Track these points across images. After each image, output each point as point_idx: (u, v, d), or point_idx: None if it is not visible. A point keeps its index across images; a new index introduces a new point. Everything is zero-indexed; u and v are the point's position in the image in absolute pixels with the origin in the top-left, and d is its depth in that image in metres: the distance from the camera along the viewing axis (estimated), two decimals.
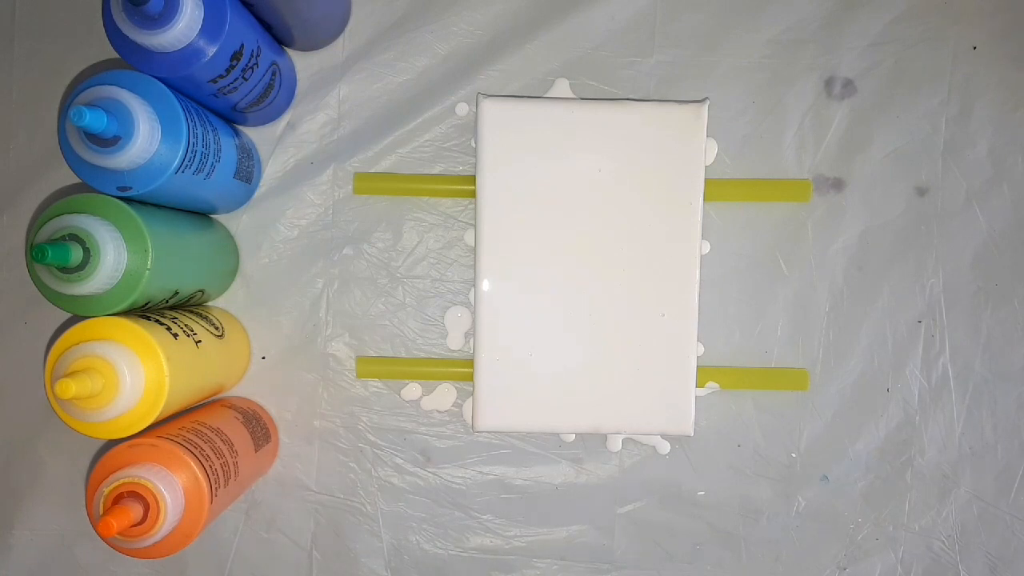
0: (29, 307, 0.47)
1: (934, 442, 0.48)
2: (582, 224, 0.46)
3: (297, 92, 0.47)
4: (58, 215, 0.35)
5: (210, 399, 0.46)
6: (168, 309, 0.41)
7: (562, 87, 0.48)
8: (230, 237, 0.47)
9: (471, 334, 0.48)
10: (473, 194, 0.47)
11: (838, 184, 0.48)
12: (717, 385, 0.48)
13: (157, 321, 0.38)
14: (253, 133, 0.47)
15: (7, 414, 0.47)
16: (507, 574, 0.48)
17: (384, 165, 0.48)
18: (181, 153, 0.36)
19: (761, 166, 0.48)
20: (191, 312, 0.42)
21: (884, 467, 0.48)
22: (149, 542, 0.34)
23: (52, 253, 0.32)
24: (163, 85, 0.36)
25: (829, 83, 0.48)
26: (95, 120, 0.32)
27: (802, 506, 0.48)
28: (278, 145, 0.47)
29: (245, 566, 0.48)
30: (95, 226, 0.34)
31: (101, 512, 0.34)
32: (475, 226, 0.47)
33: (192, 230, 0.43)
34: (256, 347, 0.48)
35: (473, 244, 0.48)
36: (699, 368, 0.47)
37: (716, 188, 0.47)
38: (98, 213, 0.35)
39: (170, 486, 0.35)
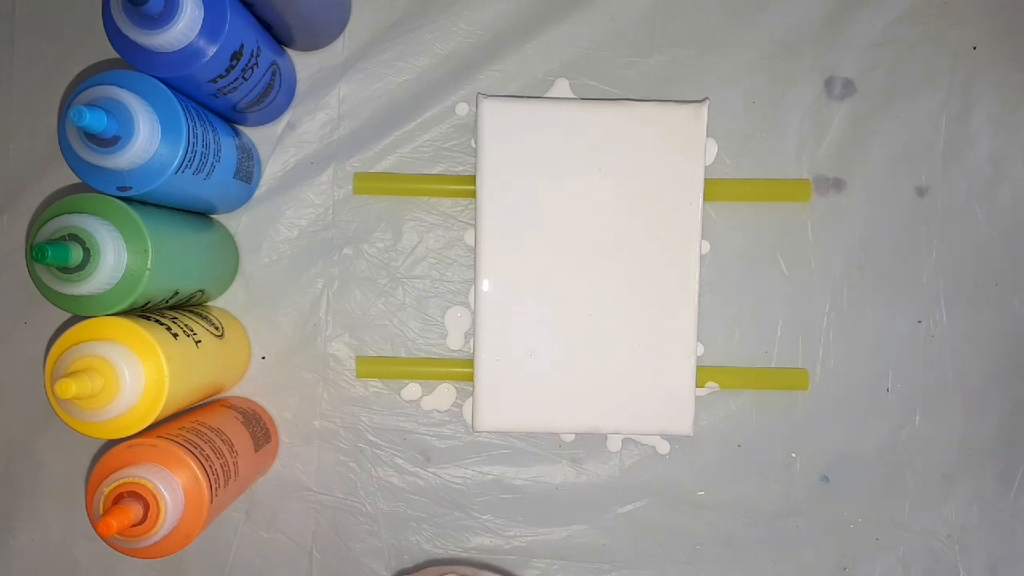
0: (29, 307, 0.47)
1: (934, 442, 0.48)
2: (582, 224, 0.46)
3: (297, 92, 0.47)
4: (58, 215, 0.35)
5: (210, 399, 0.46)
6: (168, 309, 0.41)
7: (562, 87, 0.48)
8: (230, 237, 0.47)
9: (471, 334, 0.48)
10: (473, 194, 0.47)
11: (838, 184, 0.48)
12: (717, 385, 0.48)
13: (157, 321, 0.38)
14: (253, 133, 0.47)
15: (7, 414, 0.47)
16: None
17: (384, 165, 0.48)
18: (181, 153, 0.36)
19: (761, 166, 0.48)
20: (191, 312, 0.42)
21: (884, 467, 0.48)
22: (149, 542, 0.34)
23: (52, 253, 0.32)
24: (163, 85, 0.36)
25: (829, 83, 0.48)
26: (95, 120, 0.32)
27: (802, 506, 0.48)
28: (278, 145, 0.48)
29: (245, 566, 0.48)
30: (95, 226, 0.34)
31: (101, 512, 0.34)
32: (475, 226, 0.47)
33: (192, 230, 0.43)
34: (256, 347, 0.48)
35: (473, 244, 0.48)
36: (699, 368, 0.47)
37: (716, 188, 0.47)
38: (98, 213, 0.35)
39: (170, 486, 0.35)
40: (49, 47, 0.46)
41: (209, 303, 0.47)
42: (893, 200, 0.48)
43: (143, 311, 0.39)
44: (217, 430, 0.40)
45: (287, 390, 0.48)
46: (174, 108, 0.35)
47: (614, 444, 0.48)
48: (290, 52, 0.47)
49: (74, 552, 0.48)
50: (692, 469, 0.48)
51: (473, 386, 0.47)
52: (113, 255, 0.34)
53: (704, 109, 0.46)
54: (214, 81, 0.38)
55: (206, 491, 0.36)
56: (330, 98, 0.48)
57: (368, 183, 0.47)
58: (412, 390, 0.48)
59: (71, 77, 0.47)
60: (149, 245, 0.36)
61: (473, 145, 0.48)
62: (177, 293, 0.40)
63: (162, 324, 0.38)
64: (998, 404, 0.48)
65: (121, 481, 0.34)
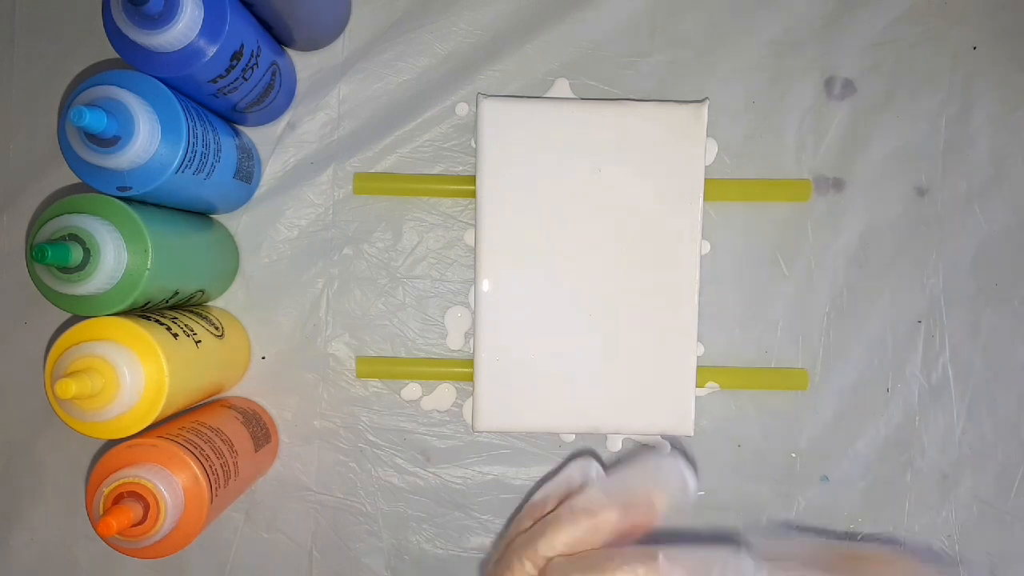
0: (29, 307, 0.47)
1: (934, 442, 0.48)
2: (582, 224, 0.46)
3: (297, 92, 0.47)
4: (58, 215, 0.35)
5: (210, 399, 0.46)
6: (168, 309, 0.41)
7: (562, 87, 0.48)
8: (230, 237, 0.47)
9: (471, 334, 0.48)
10: (473, 194, 0.47)
11: (838, 184, 0.48)
12: (717, 385, 0.48)
13: (157, 321, 0.38)
14: (253, 133, 0.47)
15: (7, 414, 0.47)
16: None
17: (384, 165, 0.48)
18: (181, 153, 0.36)
19: (761, 166, 0.48)
20: (191, 312, 0.42)
21: (884, 467, 0.48)
22: (149, 542, 0.34)
23: (52, 253, 0.32)
24: (163, 85, 0.36)
25: (829, 83, 0.48)
26: (95, 120, 0.32)
27: (802, 506, 0.48)
28: (278, 145, 0.48)
29: (245, 566, 0.48)
30: (95, 226, 0.34)
31: (101, 512, 0.34)
32: (475, 226, 0.47)
33: (192, 230, 0.43)
34: (256, 347, 0.48)
35: (473, 244, 0.48)
36: (699, 368, 0.47)
37: (716, 188, 0.47)
38: (98, 213, 0.35)
39: (170, 486, 0.35)
40: (49, 47, 0.46)
41: (209, 303, 0.47)
42: (893, 200, 0.48)
43: (143, 311, 0.39)
44: (217, 430, 0.40)
45: (287, 390, 0.48)
46: (174, 108, 0.35)
47: (614, 444, 0.48)
48: (290, 52, 0.47)
49: (74, 552, 0.48)
50: (692, 469, 0.48)
51: (473, 386, 0.47)
52: (113, 255, 0.34)
53: (704, 109, 0.46)
54: (214, 81, 0.38)
55: (206, 491, 0.36)
56: (330, 98, 0.48)
57: (368, 183, 0.47)
58: (412, 390, 0.48)
59: (71, 77, 0.46)
60: (149, 245, 0.36)
61: (473, 145, 0.48)
62: (177, 293, 0.40)
63: (162, 324, 0.38)
64: (998, 404, 0.48)
65: (121, 481, 0.34)
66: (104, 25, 0.35)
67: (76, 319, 0.36)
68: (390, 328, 0.48)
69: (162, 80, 0.36)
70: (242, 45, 0.38)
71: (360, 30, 0.47)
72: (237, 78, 0.39)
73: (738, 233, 0.48)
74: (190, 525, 0.36)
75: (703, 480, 0.48)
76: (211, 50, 0.35)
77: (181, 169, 0.36)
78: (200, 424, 0.40)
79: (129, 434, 0.36)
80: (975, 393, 0.48)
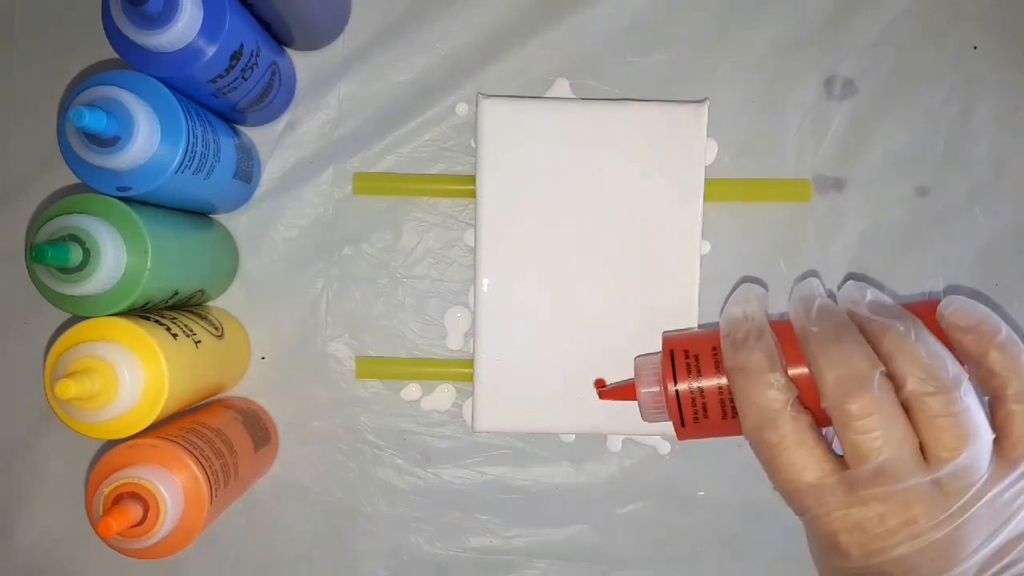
0: (29, 307, 0.47)
1: None
2: (582, 224, 0.46)
3: (297, 92, 0.47)
4: (58, 215, 0.35)
5: (210, 399, 0.46)
6: (168, 309, 0.41)
7: (562, 87, 0.48)
8: (230, 237, 0.47)
9: (471, 334, 0.48)
10: (473, 194, 0.47)
11: (838, 184, 0.48)
12: None
13: (157, 321, 0.38)
14: (253, 133, 0.47)
15: (7, 414, 0.47)
16: (507, 574, 0.48)
17: (384, 165, 0.48)
18: (181, 153, 0.36)
19: (761, 166, 0.48)
20: (191, 312, 0.42)
21: None
22: (149, 542, 0.34)
23: (52, 253, 0.32)
24: (163, 85, 0.36)
25: (829, 83, 0.48)
26: (95, 120, 0.32)
27: None
28: (278, 145, 0.47)
29: (245, 566, 0.48)
30: (95, 226, 0.34)
31: (101, 512, 0.34)
32: (475, 226, 0.47)
33: (192, 230, 0.43)
34: (256, 347, 0.48)
35: (473, 244, 0.48)
36: None
37: (716, 188, 0.47)
38: (98, 213, 0.35)
39: (170, 486, 0.35)
40: (49, 47, 0.46)
41: (209, 303, 0.47)
42: (893, 200, 0.48)
43: (143, 311, 0.39)
44: (217, 430, 0.40)
45: (287, 390, 0.48)
46: (174, 108, 0.35)
47: (614, 444, 0.48)
48: (290, 52, 0.47)
49: (74, 552, 0.48)
50: (692, 469, 0.48)
51: (473, 386, 0.47)
52: (113, 255, 0.34)
53: (704, 109, 0.46)
54: (214, 81, 0.38)
55: (206, 491, 0.36)
56: (330, 98, 0.47)
57: (368, 183, 0.47)
58: (412, 390, 0.48)
59: (71, 77, 0.46)
60: (149, 245, 0.36)
61: (473, 145, 0.48)
62: (177, 293, 0.40)
63: (162, 324, 0.38)
64: None
65: (121, 482, 0.34)
66: (104, 25, 0.35)
67: (76, 319, 0.36)
68: (390, 328, 0.48)
69: (162, 80, 0.36)
70: (241, 45, 0.38)
71: (360, 30, 0.47)
72: (236, 78, 0.39)
73: (738, 233, 0.48)
74: (190, 525, 0.36)
75: (703, 480, 0.48)
76: (211, 50, 0.35)
77: (181, 169, 0.36)
78: (200, 424, 0.40)
79: (129, 434, 0.36)
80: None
